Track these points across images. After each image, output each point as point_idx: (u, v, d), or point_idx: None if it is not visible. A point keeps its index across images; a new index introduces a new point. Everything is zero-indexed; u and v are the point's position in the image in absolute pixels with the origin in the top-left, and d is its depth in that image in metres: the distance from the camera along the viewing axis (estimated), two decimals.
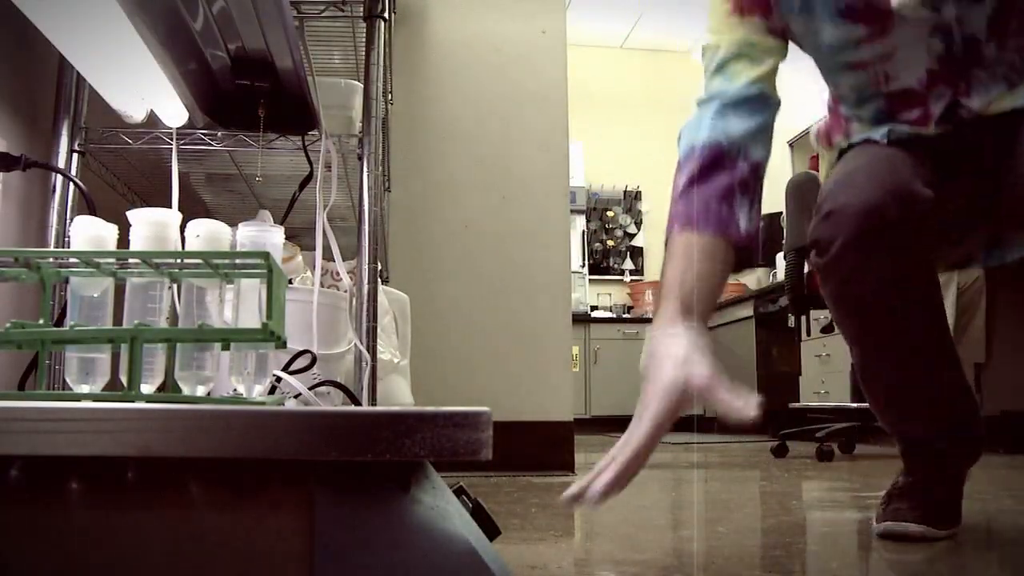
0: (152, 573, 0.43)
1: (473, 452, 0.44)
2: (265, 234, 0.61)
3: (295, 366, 1.05)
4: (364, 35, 1.42)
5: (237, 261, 0.56)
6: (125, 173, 1.53)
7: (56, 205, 1.29)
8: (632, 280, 6.34)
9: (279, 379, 1.00)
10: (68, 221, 1.30)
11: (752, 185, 1.06)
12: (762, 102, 1.09)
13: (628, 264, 6.39)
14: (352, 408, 0.45)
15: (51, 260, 0.61)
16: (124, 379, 0.59)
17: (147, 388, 0.60)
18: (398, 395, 1.67)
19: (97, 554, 0.43)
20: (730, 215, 1.03)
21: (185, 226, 0.63)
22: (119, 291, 0.64)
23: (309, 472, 0.44)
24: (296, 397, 1.00)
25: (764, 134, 1.08)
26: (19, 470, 0.43)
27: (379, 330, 1.39)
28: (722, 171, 1.04)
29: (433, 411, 0.44)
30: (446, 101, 2.49)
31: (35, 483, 0.43)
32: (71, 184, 1.28)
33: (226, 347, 0.56)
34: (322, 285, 1.30)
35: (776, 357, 4.79)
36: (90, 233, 0.62)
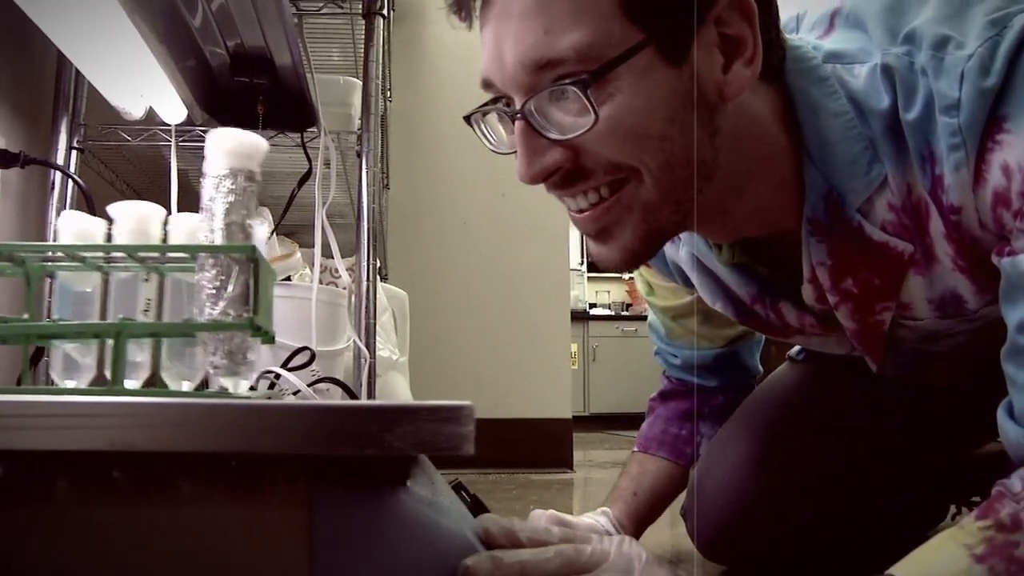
0: (145, 571, 0.44)
1: (455, 447, 0.44)
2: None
3: (294, 363, 1.05)
4: (363, 32, 1.41)
5: (221, 256, 0.56)
6: (124, 170, 1.53)
7: (55, 202, 1.29)
8: (631, 278, 6.33)
9: (278, 376, 1.00)
10: None
11: (727, 407, 1.06)
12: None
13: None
14: (334, 403, 0.46)
15: (35, 254, 0.61)
16: (109, 374, 0.59)
17: (132, 383, 0.60)
18: (397, 392, 1.67)
19: (85, 552, 0.43)
20: (690, 436, 1.03)
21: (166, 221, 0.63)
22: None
23: (305, 467, 0.44)
24: (295, 394, 1.00)
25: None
26: (4, 467, 0.43)
27: (378, 327, 1.39)
28: (688, 398, 1.04)
29: (415, 405, 0.44)
30: (445, 98, 2.48)
31: (20, 480, 0.43)
32: (70, 181, 1.28)
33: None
34: (321, 282, 1.30)
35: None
36: (77, 227, 0.62)
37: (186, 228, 0.62)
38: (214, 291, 0.55)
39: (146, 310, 0.63)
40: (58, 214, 1.28)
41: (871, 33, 0.67)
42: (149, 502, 0.44)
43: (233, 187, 0.57)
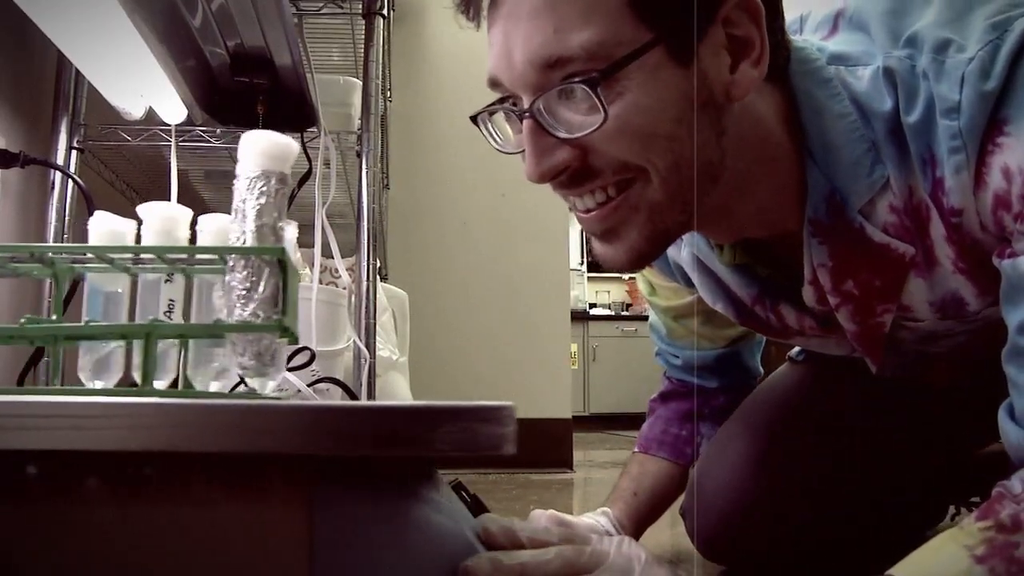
0: (145, 571, 0.44)
1: (497, 447, 0.44)
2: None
3: (294, 363, 1.05)
4: (363, 32, 1.42)
5: (252, 258, 0.56)
6: (124, 170, 1.53)
7: (55, 202, 1.29)
8: (631, 278, 6.33)
9: None
10: (67, 218, 1.30)
11: (727, 408, 1.06)
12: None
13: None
14: (373, 403, 0.45)
15: (64, 256, 0.61)
16: (136, 375, 0.59)
17: (160, 384, 0.60)
18: (397, 392, 1.67)
19: (85, 552, 0.43)
20: (690, 437, 1.03)
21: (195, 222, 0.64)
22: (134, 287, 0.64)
23: (306, 467, 0.44)
24: (295, 394, 1.00)
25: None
26: (33, 466, 0.43)
27: (378, 327, 1.39)
28: (688, 399, 1.05)
29: (458, 405, 0.44)
30: (445, 99, 2.48)
31: (20, 480, 0.43)
32: (70, 181, 1.28)
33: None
34: (321, 282, 1.30)
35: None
36: (107, 228, 0.63)
37: (214, 229, 0.62)
38: (244, 292, 0.55)
39: (168, 311, 0.63)
40: (58, 214, 1.28)
41: (874, 36, 0.67)
42: (149, 502, 0.44)
43: (265, 189, 0.57)
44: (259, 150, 0.57)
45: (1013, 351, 0.60)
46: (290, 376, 0.98)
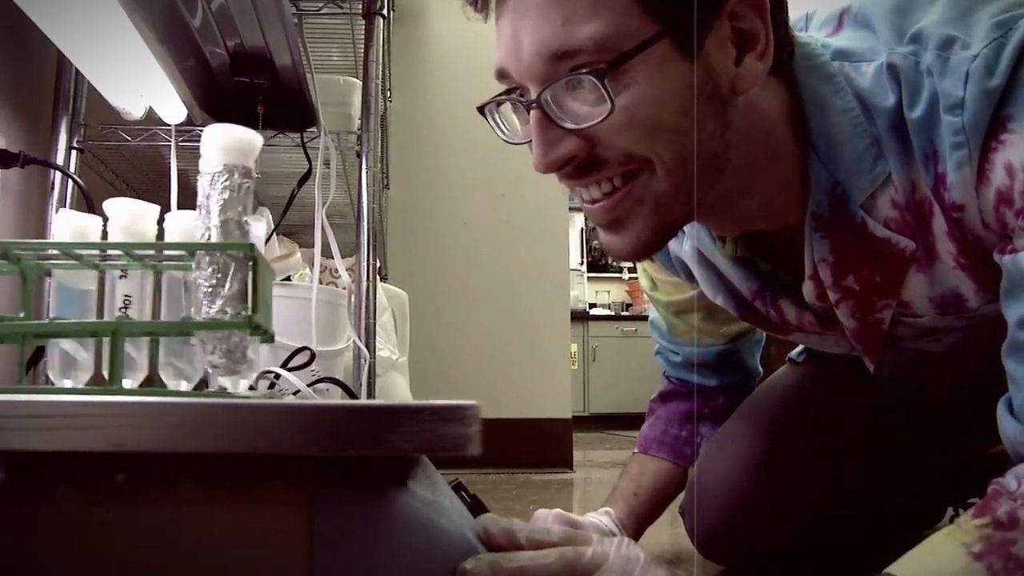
0: (144, 571, 0.43)
1: (460, 447, 0.43)
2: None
3: (294, 363, 1.05)
4: (363, 32, 1.42)
5: (218, 254, 0.55)
6: (124, 170, 1.53)
7: (55, 202, 1.29)
8: (631, 278, 6.33)
9: (278, 376, 1.00)
10: None
11: (727, 408, 1.06)
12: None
13: (627, 262, 6.38)
14: (337, 402, 0.45)
15: (31, 252, 0.60)
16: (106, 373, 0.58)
17: (129, 382, 0.60)
18: (397, 392, 1.67)
19: (85, 553, 0.43)
20: (690, 437, 1.03)
21: (162, 219, 0.63)
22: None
23: (306, 467, 0.44)
24: (295, 394, 1.00)
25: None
26: (3, 468, 0.43)
27: (378, 327, 1.39)
28: (688, 399, 1.05)
29: (419, 405, 0.43)
30: (445, 99, 2.48)
31: (19, 480, 0.43)
32: (70, 181, 1.28)
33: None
34: (321, 282, 1.30)
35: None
36: (73, 225, 0.62)
37: (183, 226, 0.62)
38: (210, 289, 0.55)
39: (124, 307, 0.62)
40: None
41: (878, 33, 0.67)
42: (149, 502, 0.44)
43: (228, 183, 0.57)
44: (220, 144, 0.57)
45: (1013, 346, 0.60)
46: (290, 376, 0.98)
